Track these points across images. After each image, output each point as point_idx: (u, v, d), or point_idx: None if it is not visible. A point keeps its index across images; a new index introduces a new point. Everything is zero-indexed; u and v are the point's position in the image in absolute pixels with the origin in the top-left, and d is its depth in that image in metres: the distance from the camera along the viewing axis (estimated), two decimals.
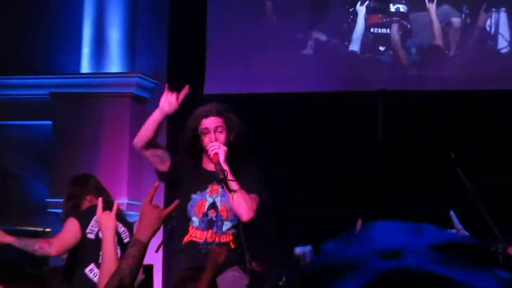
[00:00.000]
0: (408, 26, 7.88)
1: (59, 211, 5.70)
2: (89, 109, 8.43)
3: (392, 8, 7.91)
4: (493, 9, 7.74)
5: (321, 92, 7.84)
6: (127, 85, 8.45)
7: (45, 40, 8.79)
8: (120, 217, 4.91)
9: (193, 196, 4.49)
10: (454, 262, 1.76)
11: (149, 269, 6.56)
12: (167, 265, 7.28)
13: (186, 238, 4.46)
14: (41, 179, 8.77)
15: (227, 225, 4.46)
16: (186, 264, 4.37)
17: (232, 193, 4.24)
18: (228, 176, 4.23)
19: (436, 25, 7.77)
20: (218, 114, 4.50)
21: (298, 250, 3.53)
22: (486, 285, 1.73)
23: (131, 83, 8.46)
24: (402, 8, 7.90)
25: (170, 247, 4.88)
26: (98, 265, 4.96)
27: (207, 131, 4.48)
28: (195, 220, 4.45)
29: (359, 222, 3.34)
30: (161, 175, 4.54)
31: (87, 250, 5.05)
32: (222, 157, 4.33)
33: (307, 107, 7.84)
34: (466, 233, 4.58)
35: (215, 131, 4.47)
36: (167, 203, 3.69)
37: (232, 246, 4.43)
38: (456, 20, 7.77)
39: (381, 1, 7.96)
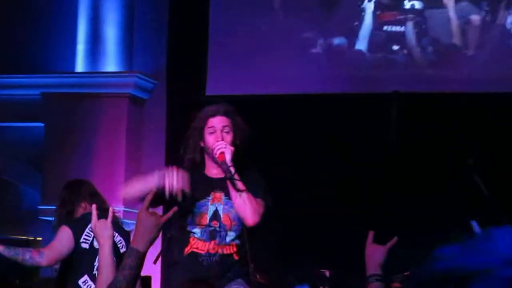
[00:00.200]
0: (424, 23, 7.87)
1: (51, 218, 5.69)
2: (83, 111, 8.42)
3: (407, 4, 7.90)
4: None
5: (331, 93, 7.86)
6: (124, 85, 8.44)
7: (37, 36, 8.79)
8: (117, 225, 4.89)
9: (195, 203, 4.46)
10: None
11: (147, 281, 6.54)
12: (165, 277, 7.27)
13: (187, 250, 4.43)
14: (32, 185, 8.76)
15: (230, 236, 4.42)
16: (186, 276, 4.34)
17: (240, 193, 4.22)
18: (235, 176, 4.23)
19: (454, 22, 7.76)
20: (225, 114, 4.49)
21: None
22: None
23: (128, 83, 8.46)
24: (418, 4, 7.89)
25: (169, 258, 4.85)
26: (92, 277, 4.94)
27: (213, 130, 4.45)
28: (197, 230, 4.42)
29: (371, 234, 3.32)
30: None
31: (81, 260, 5.03)
32: (228, 157, 4.31)
33: (315, 109, 7.85)
34: None
35: (221, 130, 4.45)
36: (166, 209, 3.68)
37: (236, 257, 4.40)
38: (475, 18, 7.76)
39: None
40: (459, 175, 5.27)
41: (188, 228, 4.42)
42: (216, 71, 8.20)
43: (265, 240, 4.49)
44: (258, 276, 6.23)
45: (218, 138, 4.41)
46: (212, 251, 4.38)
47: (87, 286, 5.00)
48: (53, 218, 5.41)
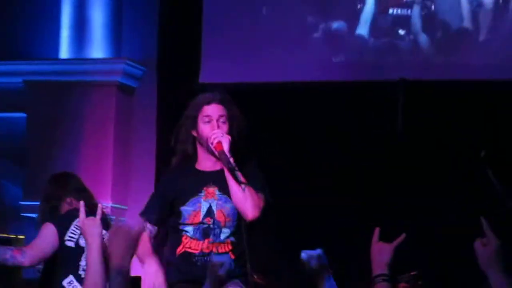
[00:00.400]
0: (433, 6, 7.85)
1: (34, 215, 5.67)
2: (68, 100, 8.41)
3: None
4: None
5: (332, 81, 7.86)
6: (112, 72, 8.43)
7: (19, 21, 8.76)
8: (105, 222, 4.86)
9: (186, 201, 4.43)
10: None
11: (137, 281, 6.52)
12: None
13: (179, 250, 4.40)
14: (14, 180, 8.74)
15: (225, 233, 4.40)
16: (178, 277, 4.32)
17: (242, 186, 4.19)
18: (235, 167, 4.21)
19: (465, 5, 7.75)
20: (221, 102, 4.46)
21: (304, 255, 3.48)
22: None
23: (116, 70, 8.45)
24: None
25: (161, 259, 4.84)
26: (77, 277, 4.93)
27: (209, 119, 4.42)
28: (189, 228, 4.40)
29: (377, 231, 3.30)
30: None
31: (66, 259, 5.01)
32: (226, 146, 4.28)
33: (313, 97, 7.86)
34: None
35: (218, 120, 4.41)
36: None
37: (232, 256, 4.37)
38: (487, 1, 7.74)
39: None
40: (470, 167, 5.26)
41: (180, 227, 4.40)
42: (211, 57, 8.18)
43: (262, 232, 4.47)
44: (255, 276, 6.22)
45: (214, 127, 4.38)
46: (206, 250, 4.36)
47: (72, 287, 4.98)
48: (36, 215, 5.39)
